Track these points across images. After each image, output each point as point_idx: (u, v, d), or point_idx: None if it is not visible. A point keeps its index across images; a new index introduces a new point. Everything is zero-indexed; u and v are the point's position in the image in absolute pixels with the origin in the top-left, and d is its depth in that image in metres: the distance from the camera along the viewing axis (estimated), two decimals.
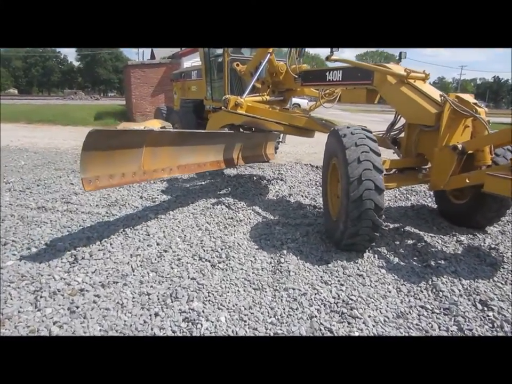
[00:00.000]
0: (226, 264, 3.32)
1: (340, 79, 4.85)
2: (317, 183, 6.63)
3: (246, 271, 3.25)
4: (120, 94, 71.24)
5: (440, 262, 3.55)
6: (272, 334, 2.47)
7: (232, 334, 2.45)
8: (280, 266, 3.31)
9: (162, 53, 23.47)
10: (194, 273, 3.15)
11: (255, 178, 6.70)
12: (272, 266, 3.37)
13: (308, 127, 5.38)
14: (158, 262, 3.36)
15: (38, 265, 3.20)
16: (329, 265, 3.42)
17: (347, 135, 3.49)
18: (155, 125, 4.92)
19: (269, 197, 5.69)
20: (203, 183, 6.26)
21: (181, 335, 2.44)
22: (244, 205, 5.16)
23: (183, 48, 19.27)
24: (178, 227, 4.24)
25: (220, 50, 7.15)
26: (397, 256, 3.71)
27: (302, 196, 5.78)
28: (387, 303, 2.88)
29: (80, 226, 4.12)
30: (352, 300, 2.85)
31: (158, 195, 5.50)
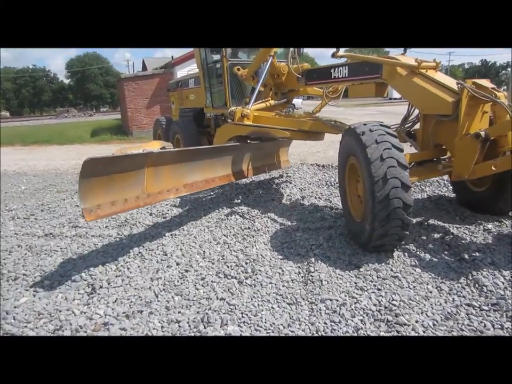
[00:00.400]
0: (254, 279, 3.15)
1: (346, 75, 4.68)
2: (327, 183, 6.47)
3: (275, 284, 3.08)
4: (112, 109, 71.21)
5: (474, 254, 3.38)
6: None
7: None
8: (311, 276, 3.13)
9: (154, 64, 23.44)
10: (222, 292, 2.97)
11: (263, 183, 6.53)
12: (302, 277, 3.20)
13: (317, 130, 5.23)
14: (181, 283, 3.18)
15: (55, 299, 3.02)
16: (360, 269, 3.25)
17: (366, 133, 3.33)
18: (154, 146, 4.73)
19: (282, 202, 5.52)
20: (212, 193, 6.09)
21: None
22: (258, 212, 4.98)
23: (175, 57, 19.18)
24: (195, 243, 4.07)
25: (217, 56, 7.00)
26: (428, 252, 3.55)
27: (316, 198, 5.61)
28: (431, 304, 2.71)
29: (92, 251, 3.94)
30: (394, 305, 2.68)
31: (168, 210, 5.32)
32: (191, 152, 4.73)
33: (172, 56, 21.46)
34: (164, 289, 3.11)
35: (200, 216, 4.95)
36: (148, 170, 3.75)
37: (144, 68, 31.55)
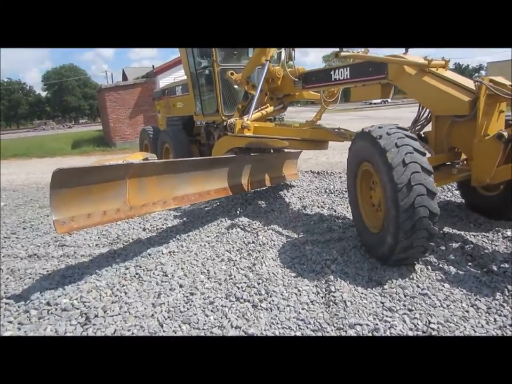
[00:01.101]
0: (269, 302, 2.83)
1: (348, 77, 4.46)
2: (326, 190, 6.23)
3: (294, 307, 2.76)
4: (92, 120, 70.19)
5: (503, 266, 3.15)
6: None
7: None
8: (333, 296, 2.83)
9: (134, 74, 22.95)
10: (236, 319, 2.64)
11: (261, 193, 6.22)
12: (322, 297, 2.90)
13: (321, 139, 5.01)
14: (188, 309, 2.83)
15: (43, 333, 2.63)
16: (384, 287, 2.97)
17: (383, 136, 3.08)
18: (137, 157, 4.46)
19: (283, 212, 5.22)
20: (207, 204, 5.75)
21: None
22: (260, 225, 4.68)
23: (156, 67, 18.83)
24: (197, 261, 3.73)
25: (206, 62, 6.72)
26: (451, 265, 3.30)
27: (318, 207, 5.34)
28: (472, 326, 2.44)
29: (83, 274, 3.55)
30: (433, 329, 2.40)
31: (162, 224, 4.96)
32: (183, 163, 4.46)
33: (153, 66, 21.13)
34: (168, 317, 2.75)
35: (198, 230, 4.61)
36: (130, 181, 3.59)
37: (125, 77, 30.97)
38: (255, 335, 2.49)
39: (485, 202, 4.23)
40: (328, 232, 4.26)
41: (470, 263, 3.32)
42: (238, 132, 4.94)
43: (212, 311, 2.80)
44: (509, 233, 3.82)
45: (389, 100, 45.36)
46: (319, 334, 2.45)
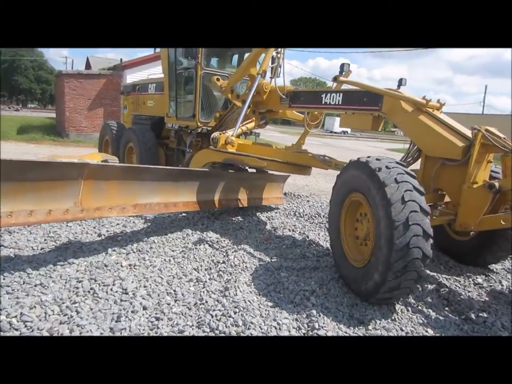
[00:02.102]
0: (248, 335, 2.53)
1: (340, 103, 4.37)
2: (295, 213, 6.07)
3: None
4: (42, 106, 65.97)
5: (481, 315, 3.11)
6: None
7: None
8: (317, 334, 2.59)
9: (99, 64, 21.81)
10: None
11: (227, 209, 5.89)
12: (304, 334, 2.65)
13: (305, 164, 4.87)
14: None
15: None
16: (368, 327, 2.79)
17: (382, 169, 2.95)
18: (95, 158, 4.12)
19: (252, 232, 4.96)
20: (171, 214, 5.33)
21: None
22: (229, 243, 4.38)
23: (124, 60, 18.04)
24: (162, 278, 3.34)
25: (187, 63, 6.39)
26: (429, 308, 3.23)
27: (289, 230, 5.14)
28: None
29: (24, 283, 3.02)
30: None
31: (120, 231, 4.49)
32: (150, 171, 4.11)
33: (121, 59, 20.24)
34: (144, 335, 2.36)
35: (162, 243, 4.20)
36: (85, 182, 3.37)
37: (88, 66, 29.40)
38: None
39: (455, 246, 4.27)
40: (302, 259, 4.06)
41: (447, 308, 3.29)
42: (221, 147, 4.73)
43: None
44: (479, 280, 3.85)
45: (348, 131, 47.46)
46: None
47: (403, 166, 3.06)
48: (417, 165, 3.88)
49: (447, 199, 3.73)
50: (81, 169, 3.33)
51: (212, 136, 4.88)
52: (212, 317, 2.72)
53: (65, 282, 3.08)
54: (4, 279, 3.02)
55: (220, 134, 4.81)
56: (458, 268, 4.15)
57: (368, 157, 3.24)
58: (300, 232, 5.06)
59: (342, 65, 4.39)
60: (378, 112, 4.00)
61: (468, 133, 3.40)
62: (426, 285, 3.63)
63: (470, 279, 3.89)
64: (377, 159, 3.11)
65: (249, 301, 3.00)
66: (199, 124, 6.22)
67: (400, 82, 4.14)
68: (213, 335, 2.53)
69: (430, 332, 2.82)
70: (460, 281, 3.83)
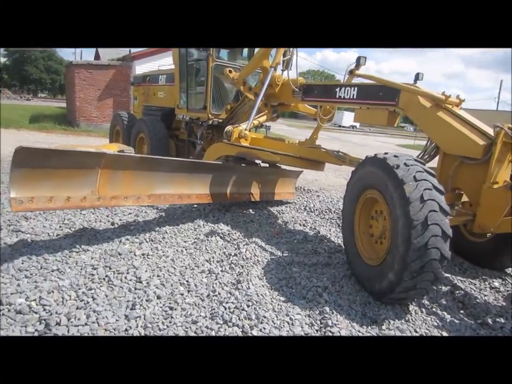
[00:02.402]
0: (260, 330, 2.52)
1: (354, 97, 4.32)
2: (306, 208, 6.05)
3: None
4: (52, 96, 66.22)
5: (498, 320, 3.08)
6: None
7: None
8: (330, 332, 2.58)
9: (109, 54, 21.76)
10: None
11: (238, 201, 5.91)
12: (317, 331, 2.65)
13: (319, 159, 4.85)
14: (168, 327, 2.47)
15: None
16: (382, 327, 2.78)
17: (400, 167, 2.91)
18: (111, 148, 4.19)
19: (262, 225, 4.95)
20: (183, 204, 5.33)
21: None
22: (240, 236, 4.38)
23: (133, 50, 18.02)
24: (174, 268, 3.35)
25: (198, 55, 6.37)
26: (444, 310, 3.20)
27: (300, 225, 5.13)
28: None
29: (42, 268, 3.06)
30: None
31: (133, 220, 4.51)
32: (165, 162, 4.19)
33: (130, 50, 20.17)
34: (145, 334, 2.38)
35: (174, 233, 4.22)
36: (102, 171, 3.45)
37: (97, 56, 29.42)
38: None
39: (471, 248, 4.20)
40: (314, 255, 4.05)
41: (462, 311, 3.25)
42: (235, 140, 4.74)
43: (195, 332, 2.46)
44: (496, 283, 3.81)
45: (357, 126, 47.11)
46: None
47: (422, 163, 3.02)
48: (434, 163, 3.83)
49: (464, 198, 3.68)
50: (99, 158, 3.40)
51: (225, 129, 4.88)
52: (225, 309, 2.72)
53: (81, 269, 3.11)
54: (22, 263, 3.06)
55: (234, 128, 4.80)
56: (474, 270, 4.10)
57: (386, 153, 3.21)
58: (310, 227, 5.04)
59: (358, 59, 4.32)
60: (394, 107, 3.94)
61: (489, 130, 3.34)
62: (440, 287, 3.59)
63: (486, 283, 3.84)
64: (395, 156, 3.08)
65: (261, 294, 3.00)
66: (210, 115, 6.21)
67: (417, 76, 4.06)
68: (226, 327, 2.53)
69: (444, 335, 2.80)
70: (475, 284, 3.78)
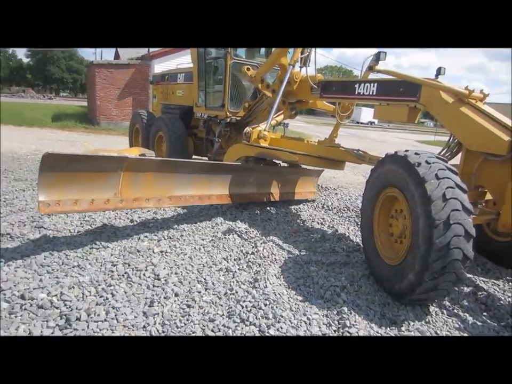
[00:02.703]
0: (278, 329, 2.51)
1: (374, 93, 4.24)
2: (323, 206, 5.99)
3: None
4: (73, 95, 67.72)
5: None
6: None
7: None
8: (348, 332, 2.55)
9: (128, 54, 22.04)
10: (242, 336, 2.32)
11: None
12: (335, 331, 2.62)
13: (339, 158, 4.80)
14: (185, 325, 2.48)
15: (14, 332, 2.21)
16: (402, 328, 2.72)
17: (422, 165, 2.84)
18: (133, 152, 4.31)
19: (280, 224, 4.94)
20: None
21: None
22: (257, 234, 4.37)
23: (152, 50, 18.19)
24: (192, 266, 3.37)
25: (216, 53, 6.37)
26: (466, 312, 3.11)
27: (318, 223, 5.09)
28: None
29: (63, 264, 3.12)
30: None
31: (152, 218, 4.56)
32: (185, 164, 4.27)
33: (149, 49, 20.39)
34: (163, 332, 2.40)
35: (191, 231, 4.24)
36: (124, 174, 3.56)
37: (117, 56, 29.85)
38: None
39: (494, 247, 4.08)
40: (332, 254, 4.01)
41: (485, 313, 3.15)
42: (254, 141, 4.75)
43: (212, 330, 2.46)
44: None
45: (375, 122, 46.44)
46: None
47: (444, 161, 2.95)
48: (456, 160, 3.73)
49: (488, 197, 3.57)
50: (121, 162, 3.51)
51: (244, 131, 4.90)
52: (242, 307, 2.72)
53: (101, 265, 3.16)
54: (44, 259, 3.13)
55: (253, 129, 4.81)
56: (497, 271, 3.98)
57: (407, 150, 3.14)
58: (328, 226, 4.99)
59: (378, 54, 4.22)
60: (415, 103, 3.85)
61: None
62: (462, 288, 3.50)
63: (510, 283, 3.73)
64: (416, 153, 3.01)
65: (279, 293, 2.98)
66: (228, 113, 6.21)
67: (439, 71, 3.94)
68: (243, 326, 2.53)
69: (462, 335, 2.73)
70: (498, 285, 3.67)
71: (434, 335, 2.71)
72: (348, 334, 2.53)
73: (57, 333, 2.26)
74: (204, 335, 2.41)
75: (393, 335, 2.65)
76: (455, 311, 3.10)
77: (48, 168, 3.00)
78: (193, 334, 2.39)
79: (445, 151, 3.79)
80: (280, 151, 4.80)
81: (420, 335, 2.67)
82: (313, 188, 6.30)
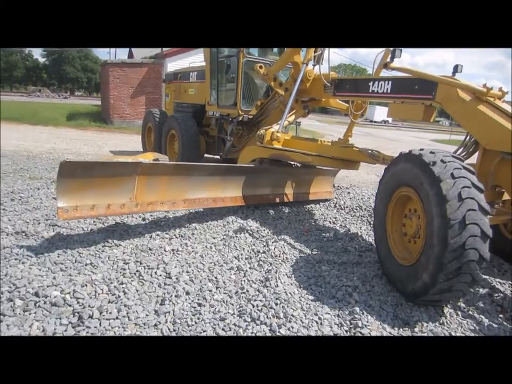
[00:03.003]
0: (289, 329, 2.49)
1: (389, 91, 4.18)
2: (336, 205, 5.94)
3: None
4: (88, 94, 68.65)
5: None
6: None
7: None
8: (360, 333, 2.52)
9: (142, 53, 22.20)
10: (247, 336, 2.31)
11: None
12: (346, 331, 2.59)
13: (353, 159, 4.76)
14: (196, 323, 2.48)
15: (28, 329, 2.24)
16: (415, 329, 2.68)
17: (437, 163, 2.79)
18: (147, 157, 4.38)
19: (291, 223, 4.91)
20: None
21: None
22: (269, 232, 4.36)
23: (165, 48, 18.29)
24: (203, 265, 3.38)
25: (229, 51, 6.37)
26: (481, 313, 3.05)
27: (330, 222, 5.05)
28: None
29: (76, 261, 3.15)
30: None
31: (163, 216, 4.58)
32: (198, 168, 4.32)
33: (162, 48, 20.49)
34: (174, 330, 2.40)
35: (203, 229, 4.25)
36: (139, 178, 3.64)
37: (131, 55, 30.11)
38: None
39: (510, 247, 3.99)
40: (344, 253, 3.97)
41: (501, 315, 3.08)
42: (267, 143, 4.76)
43: (223, 329, 2.46)
44: None
45: (390, 121, 45.93)
46: None
47: (460, 160, 2.88)
48: (473, 160, 3.65)
49: (505, 197, 3.49)
50: (136, 167, 3.59)
51: (258, 132, 4.92)
52: (253, 306, 2.71)
53: (113, 263, 3.19)
54: (58, 256, 3.17)
55: (266, 130, 4.81)
56: None
57: (421, 149, 3.08)
58: (340, 225, 4.95)
59: (394, 51, 4.15)
60: (430, 101, 3.78)
61: None
62: (478, 289, 3.43)
63: None
64: (431, 152, 2.95)
65: (290, 293, 2.96)
66: (240, 112, 6.21)
67: (456, 69, 3.85)
68: (254, 325, 2.52)
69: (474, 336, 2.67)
70: None
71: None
72: (360, 335, 2.50)
73: (70, 330, 2.28)
74: (214, 333, 2.40)
75: (405, 335, 2.60)
76: (470, 312, 3.04)
77: (66, 175, 3.10)
78: (204, 333, 2.39)
79: (461, 150, 3.70)
80: (293, 153, 4.79)
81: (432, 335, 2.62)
82: (330, 187, 6.25)
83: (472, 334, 2.73)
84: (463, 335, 2.72)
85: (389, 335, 2.59)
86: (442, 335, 2.66)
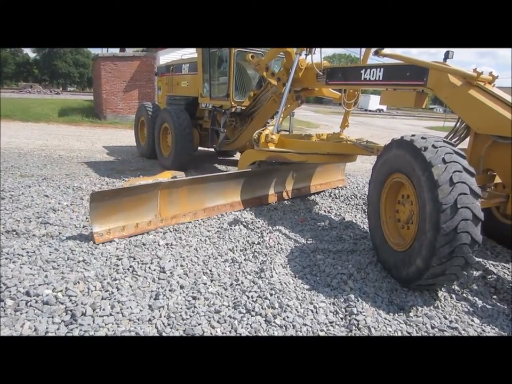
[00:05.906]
0: (284, 319, 2.49)
1: (381, 79, 4.14)
2: (330, 194, 5.93)
3: (311, 327, 2.45)
4: (80, 89, 67.95)
5: None
6: None
7: None
8: (355, 320, 2.52)
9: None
10: (247, 336, 2.30)
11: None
12: (342, 319, 2.59)
13: (348, 153, 4.76)
14: (191, 317, 2.47)
15: (19, 329, 2.23)
16: (410, 314, 2.69)
17: (429, 149, 2.77)
18: (166, 176, 4.63)
19: (286, 213, 4.89)
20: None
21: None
22: (264, 223, 4.35)
23: None
24: (198, 258, 3.37)
25: None
26: (475, 295, 3.06)
27: (325, 211, 5.04)
28: None
29: (69, 259, 3.13)
30: None
31: None
32: (212, 178, 4.53)
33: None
34: (169, 325, 2.39)
35: (197, 223, 4.23)
36: (161, 197, 3.92)
37: (122, 48, 29.77)
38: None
39: (504, 230, 4.01)
40: (339, 242, 3.97)
41: (494, 296, 3.10)
42: (262, 145, 4.81)
43: (218, 322, 2.45)
44: None
45: (384, 109, 45.78)
46: None
47: (451, 145, 2.86)
48: (464, 145, 3.64)
49: (497, 180, 3.48)
50: (157, 187, 3.89)
51: (253, 136, 4.94)
52: (248, 298, 2.71)
53: (106, 260, 3.17)
54: (49, 254, 3.14)
55: (261, 133, 4.83)
56: (507, 254, 3.92)
57: (413, 135, 3.06)
58: (335, 214, 4.94)
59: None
60: (422, 87, 3.75)
61: None
62: (471, 272, 3.45)
63: None
64: (422, 138, 2.93)
65: (285, 283, 2.96)
66: (233, 103, 6.14)
67: (447, 55, 3.82)
68: (249, 316, 2.52)
69: (476, 321, 2.68)
70: (508, 268, 3.61)
71: (443, 319, 2.67)
72: (355, 321, 2.50)
73: (63, 329, 2.27)
74: (209, 326, 2.40)
75: (402, 322, 2.61)
76: (464, 295, 3.06)
77: (96, 203, 3.36)
78: (199, 326, 2.38)
79: (452, 135, 3.69)
80: (288, 153, 4.78)
81: (428, 320, 2.63)
82: (342, 175, 6.38)
83: (467, 316, 2.74)
84: (458, 318, 2.72)
85: (384, 321, 2.59)
86: (437, 319, 2.67)
